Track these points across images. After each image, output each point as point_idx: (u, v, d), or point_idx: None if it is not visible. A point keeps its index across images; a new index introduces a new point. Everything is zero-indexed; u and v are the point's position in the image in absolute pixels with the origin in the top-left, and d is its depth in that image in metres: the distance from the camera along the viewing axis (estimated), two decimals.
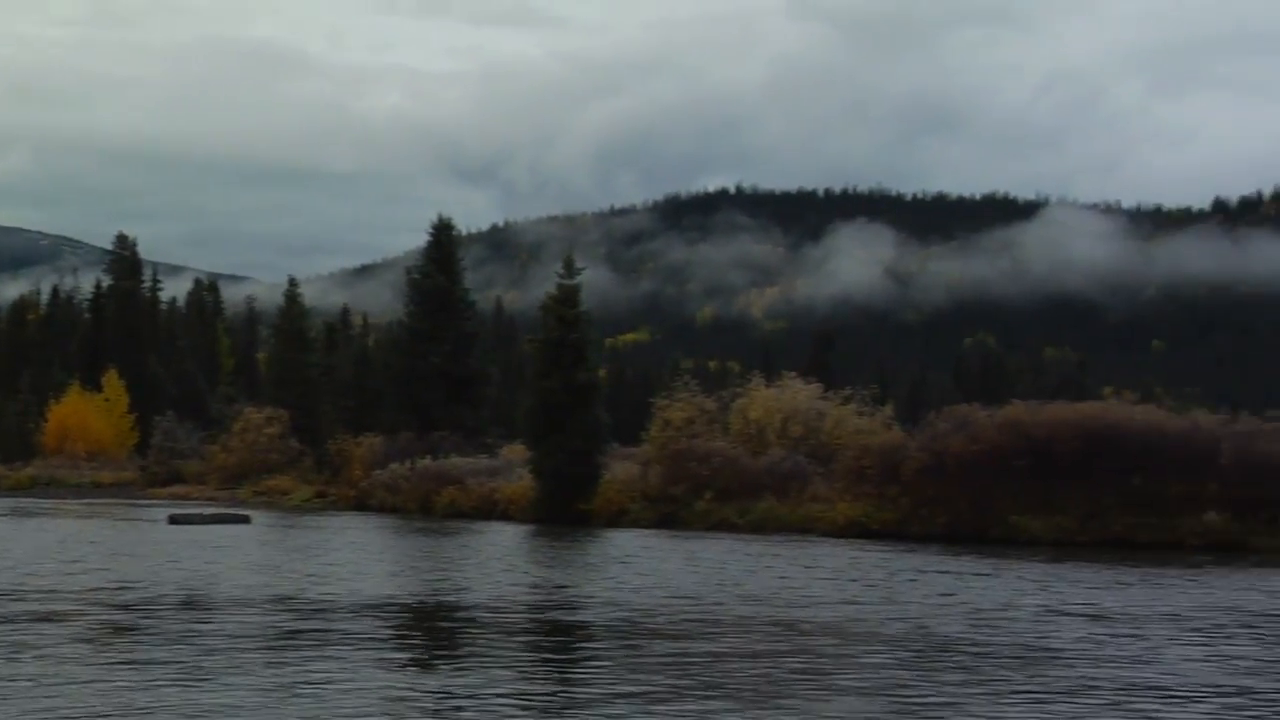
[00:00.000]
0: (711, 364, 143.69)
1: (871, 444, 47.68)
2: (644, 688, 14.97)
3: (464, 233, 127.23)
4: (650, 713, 13.52)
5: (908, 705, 14.13)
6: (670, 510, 49.04)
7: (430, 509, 57.22)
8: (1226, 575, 30.54)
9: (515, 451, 61.75)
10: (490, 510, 54.75)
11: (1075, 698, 14.71)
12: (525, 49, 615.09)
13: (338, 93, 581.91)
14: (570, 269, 56.67)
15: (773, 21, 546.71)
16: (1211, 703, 14.44)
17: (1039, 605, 23.60)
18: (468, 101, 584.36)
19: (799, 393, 55.05)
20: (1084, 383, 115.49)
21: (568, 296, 56.10)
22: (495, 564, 33.28)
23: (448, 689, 14.83)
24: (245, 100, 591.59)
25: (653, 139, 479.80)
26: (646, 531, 45.92)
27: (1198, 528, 38.73)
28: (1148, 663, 17.19)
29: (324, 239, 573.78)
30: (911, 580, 28.59)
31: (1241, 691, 15.15)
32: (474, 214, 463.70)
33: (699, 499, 48.62)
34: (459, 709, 13.68)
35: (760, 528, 45.30)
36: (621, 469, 54.41)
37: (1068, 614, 22.30)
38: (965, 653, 18.04)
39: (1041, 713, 13.89)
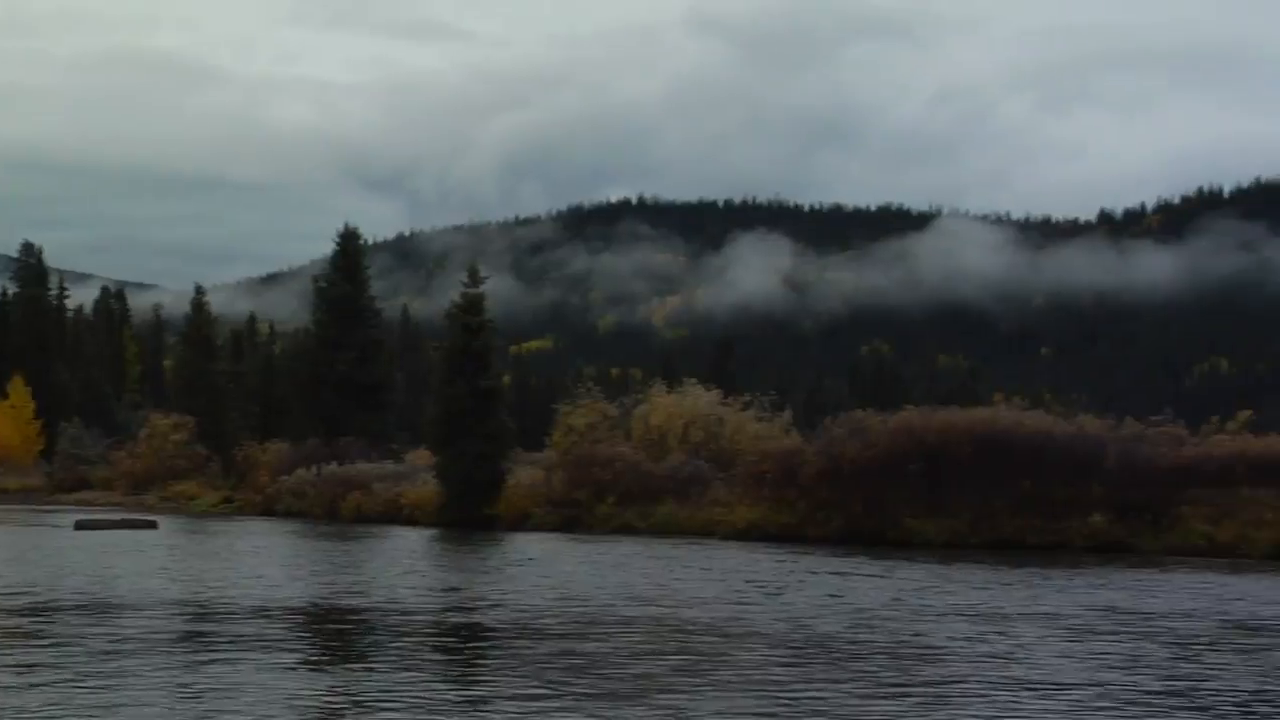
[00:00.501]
0: (614, 371, 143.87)
1: (770, 449, 48.12)
2: (527, 688, 15.14)
3: (370, 242, 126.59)
4: (530, 711, 13.69)
5: (780, 701, 14.39)
6: (573, 514, 49.23)
7: (336, 514, 56.91)
8: (1105, 575, 31.20)
9: (421, 457, 61.59)
10: (396, 515, 54.58)
11: (941, 693, 15.10)
12: (431, 62, 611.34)
13: (245, 103, 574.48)
14: (475, 278, 56.69)
15: (673, 37, 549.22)
16: (1071, 697, 14.86)
17: (920, 605, 24.07)
18: (374, 113, 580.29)
19: (699, 399, 55.47)
20: (975, 389, 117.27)
21: (472, 305, 56.11)
22: (397, 568, 33.22)
23: (344, 690, 14.95)
24: (152, 110, 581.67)
25: (556, 151, 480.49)
26: (550, 535, 46.08)
27: (1084, 529, 39.60)
28: (1016, 659, 17.62)
29: (231, 248, 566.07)
30: (802, 581, 29.00)
31: (1102, 686, 15.60)
32: (380, 223, 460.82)
33: (601, 503, 48.86)
34: (354, 710, 13.79)
35: (662, 531, 45.59)
36: (525, 474, 54.49)
37: (947, 613, 22.78)
38: (842, 651, 18.41)
39: (906, 707, 14.24)
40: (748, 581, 28.66)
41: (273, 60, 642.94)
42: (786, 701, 14.35)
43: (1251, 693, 15.36)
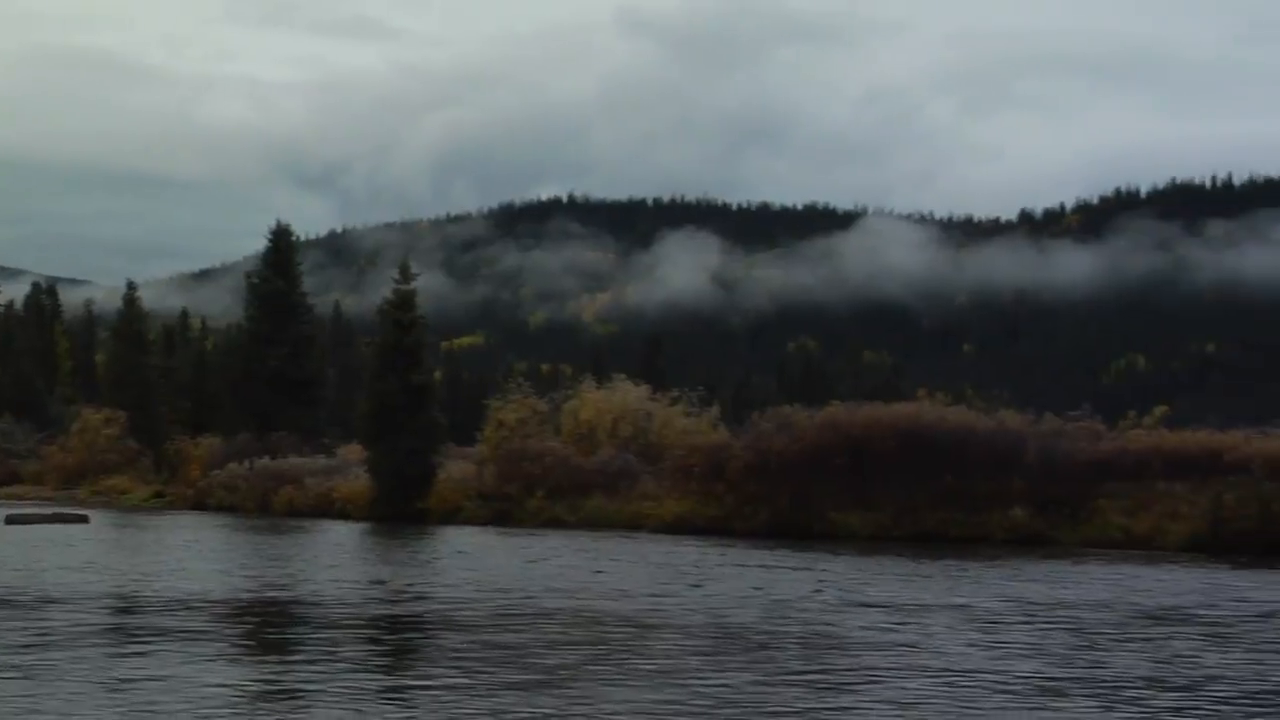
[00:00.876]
0: (544, 367, 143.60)
1: (698, 443, 48.39)
2: (444, 678, 15.32)
3: (303, 239, 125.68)
4: (445, 700, 13.84)
5: (687, 689, 14.61)
6: (504, 508, 49.32)
7: (268, 508, 56.60)
8: (1020, 567, 31.69)
9: (353, 451, 61.32)
10: (328, 509, 54.37)
11: (845, 681, 15.41)
12: (364, 60, 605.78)
13: (179, 100, 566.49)
14: (406, 274, 56.60)
15: (604, 38, 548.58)
16: (971, 684, 15.18)
17: (837, 596, 24.45)
18: (308, 110, 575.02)
19: (628, 394, 55.69)
20: (900, 385, 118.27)
21: (404, 301, 56.02)
22: (325, 561, 33.20)
23: (264, 680, 15.08)
24: (85, 107, 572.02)
25: (488, 149, 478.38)
26: (480, 529, 46.16)
27: (1004, 522, 40.17)
28: (923, 648, 17.99)
29: (164, 244, 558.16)
30: (724, 574, 29.28)
31: (1003, 674, 15.96)
32: (313, 220, 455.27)
33: (531, 497, 48.99)
34: (274, 700, 13.89)
35: (591, 524, 45.79)
36: (457, 468, 54.49)
37: (862, 604, 23.16)
38: (755, 641, 18.70)
39: (808, 694, 14.52)
40: (670, 574, 28.92)
41: (207, 58, 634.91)
42: (694, 690, 14.57)
43: (1147, 679, 15.76)
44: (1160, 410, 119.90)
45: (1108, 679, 15.77)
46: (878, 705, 13.96)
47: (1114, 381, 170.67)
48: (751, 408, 56.12)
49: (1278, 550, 35.21)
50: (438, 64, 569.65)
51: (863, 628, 20.03)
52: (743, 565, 31.32)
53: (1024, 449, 41.56)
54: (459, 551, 35.94)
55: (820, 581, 27.31)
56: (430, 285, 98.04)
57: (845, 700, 14.24)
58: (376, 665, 16.79)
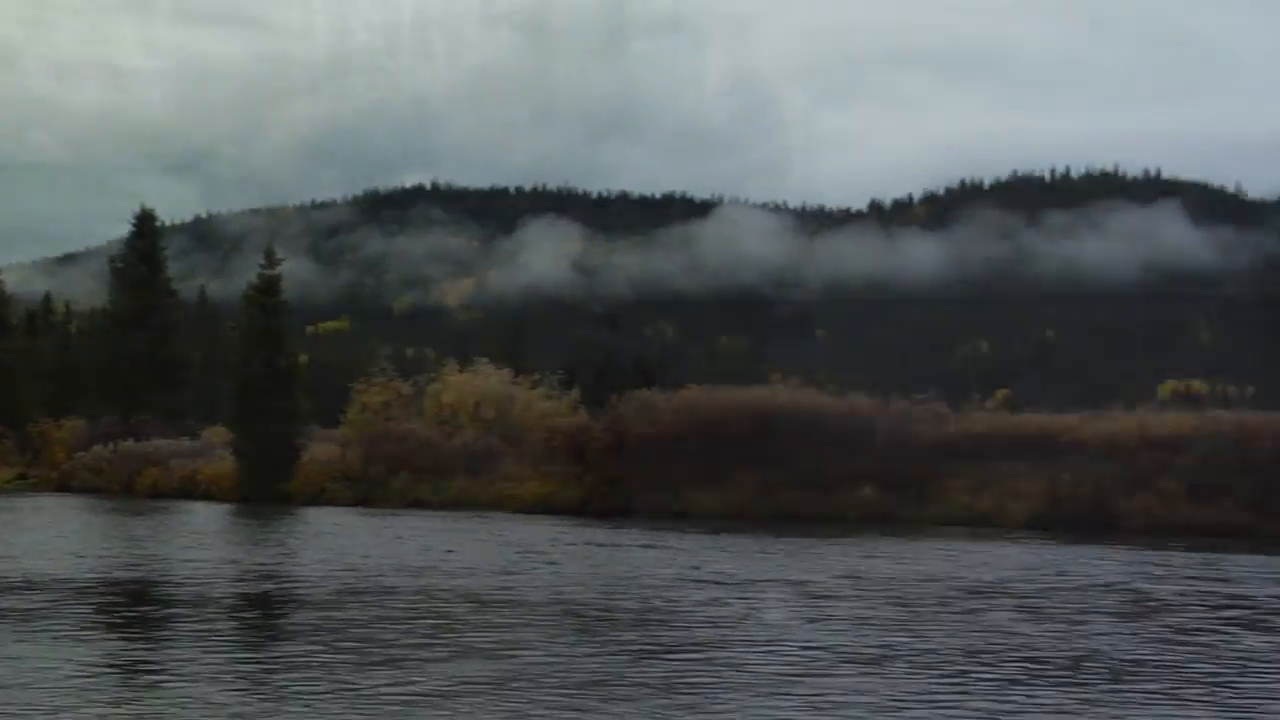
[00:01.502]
0: (409, 351, 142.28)
1: (559, 426, 48.68)
2: (284, 655, 15.53)
3: (168, 224, 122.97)
4: (277, 673, 14.12)
5: (515, 661, 15.01)
6: (367, 490, 49.24)
7: (133, 490, 55.70)
8: (863, 544, 32.27)
9: (217, 434, 60.58)
10: (193, 490, 53.73)
11: (674, 651, 15.88)
12: (230, 47, 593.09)
13: (42, 85, 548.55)
14: (271, 259, 56.18)
15: (467, 27, 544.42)
16: (791, 654, 15.77)
17: (677, 573, 24.87)
18: (172, 96, 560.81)
19: (490, 378, 55.75)
20: (755, 369, 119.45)
21: (269, 286, 55.59)
22: (183, 542, 32.80)
23: (105, 658, 15.16)
24: None
25: (353, 137, 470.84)
26: (344, 510, 45.98)
27: (856, 501, 40.87)
28: (751, 621, 18.57)
29: (27, 228, 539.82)
30: (576, 552, 29.65)
31: (825, 645, 16.58)
32: (178, 205, 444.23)
33: (395, 478, 48.97)
34: (113, 675, 14.01)
35: (454, 505, 45.90)
36: (321, 450, 54.17)
37: (700, 580, 23.62)
38: (591, 616, 19.16)
39: (631, 664, 14.95)
40: (523, 553, 29.14)
41: (70, 43, 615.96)
42: (523, 662, 14.94)
43: (963, 650, 16.38)
44: (1001, 394, 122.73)
45: (923, 649, 16.43)
46: (701, 672, 14.44)
47: (959, 365, 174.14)
48: (611, 391, 56.56)
49: (1110, 527, 36.48)
50: (302, 52, 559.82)
51: (698, 602, 20.50)
52: (596, 544, 31.73)
53: (874, 431, 42.36)
54: (319, 533, 35.82)
55: (669, 559, 27.77)
56: (295, 271, 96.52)
57: (661, 669, 14.67)
58: (218, 643, 16.83)
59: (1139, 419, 42.26)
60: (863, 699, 13.18)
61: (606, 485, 44.24)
